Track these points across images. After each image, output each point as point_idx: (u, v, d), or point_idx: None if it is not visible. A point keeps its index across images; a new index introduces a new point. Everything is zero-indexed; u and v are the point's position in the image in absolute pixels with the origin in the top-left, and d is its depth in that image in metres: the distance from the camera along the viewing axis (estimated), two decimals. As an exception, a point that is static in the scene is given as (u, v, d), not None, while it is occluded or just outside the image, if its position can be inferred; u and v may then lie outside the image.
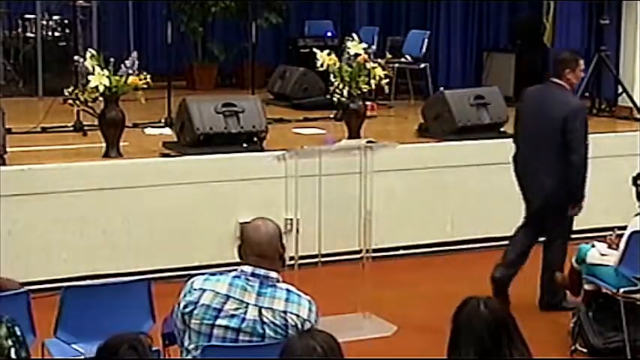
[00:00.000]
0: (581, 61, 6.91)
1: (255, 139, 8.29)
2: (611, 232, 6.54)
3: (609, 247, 6.33)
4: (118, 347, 3.29)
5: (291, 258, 6.24)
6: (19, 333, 3.76)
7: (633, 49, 10.59)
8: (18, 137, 8.48)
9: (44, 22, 11.97)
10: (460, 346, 3.47)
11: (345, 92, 8.64)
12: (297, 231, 6.69)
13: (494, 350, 3.42)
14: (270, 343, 4.03)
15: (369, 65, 8.66)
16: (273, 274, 4.15)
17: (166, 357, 4.89)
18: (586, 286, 6.35)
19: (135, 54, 7.91)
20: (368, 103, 9.32)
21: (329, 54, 8.72)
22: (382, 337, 6.57)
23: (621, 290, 6.05)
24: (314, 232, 6.78)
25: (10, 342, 3.71)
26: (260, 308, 4.09)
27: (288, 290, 4.16)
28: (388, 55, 9.56)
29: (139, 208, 7.72)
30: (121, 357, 3.27)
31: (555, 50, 11.29)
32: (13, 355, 3.70)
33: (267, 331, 4.08)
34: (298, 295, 4.17)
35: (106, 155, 7.87)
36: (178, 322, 4.18)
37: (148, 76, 7.79)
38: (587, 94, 10.76)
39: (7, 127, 7.91)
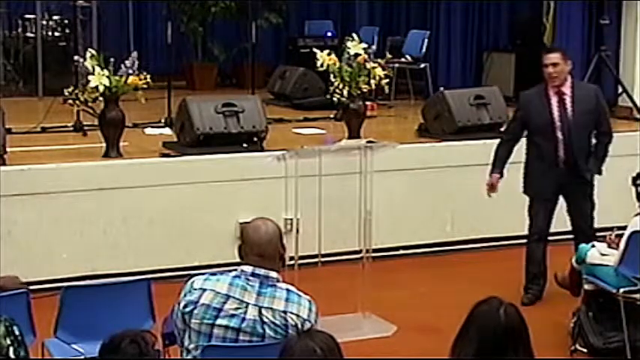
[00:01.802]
0: (548, 55, 7.09)
1: (255, 139, 8.29)
2: (611, 232, 6.53)
3: (609, 246, 6.33)
4: (120, 341, 3.30)
5: (291, 258, 6.24)
6: (17, 332, 3.76)
7: (633, 49, 10.58)
8: (18, 137, 8.48)
9: (44, 22, 11.97)
10: (465, 338, 3.47)
11: (345, 92, 8.64)
12: (297, 231, 6.69)
13: (494, 355, 3.41)
14: (270, 343, 4.04)
15: (369, 65, 8.66)
16: (273, 274, 4.16)
17: (166, 357, 4.89)
18: (586, 286, 6.35)
19: (135, 54, 7.92)
20: (368, 103, 9.31)
21: (329, 54, 8.72)
22: (382, 337, 6.57)
23: (621, 290, 6.05)
24: (314, 232, 6.78)
25: (8, 341, 3.70)
26: (260, 308, 4.09)
27: (288, 290, 4.16)
28: (388, 55, 9.55)
29: (139, 208, 7.73)
30: (122, 351, 3.28)
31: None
32: (11, 355, 3.69)
33: (267, 330, 4.08)
34: (298, 295, 4.17)
35: (106, 155, 7.87)
36: (178, 322, 4.18)
37: (148, 76, 7.79)
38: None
39: (7, 127, 7.91)
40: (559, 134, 7.03)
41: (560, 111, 7.05)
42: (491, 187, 7.23)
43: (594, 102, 7.12)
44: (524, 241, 8.49)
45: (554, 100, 7.06)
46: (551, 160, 7.07)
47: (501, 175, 7.23)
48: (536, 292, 7.21)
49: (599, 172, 7.21)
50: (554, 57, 7.03)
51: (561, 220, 7.41)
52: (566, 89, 7.07)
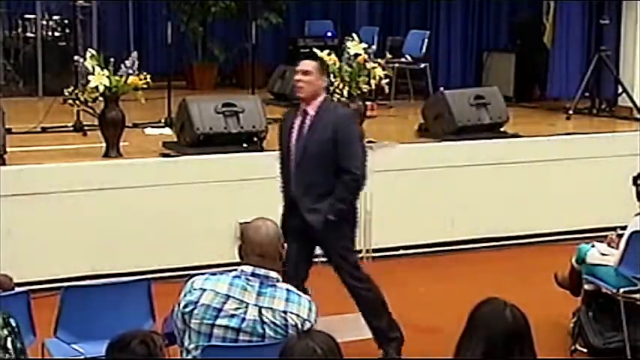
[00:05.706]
0: (304, 61, 5.94)
1: (255, 139, 8.29)
2: (611, 232, 6.53)
3: (609, 246, 6.33)
4: (130, 341, 3.30)
5: (291, 258, 6.22)
6: (14, 324, 3.78)
7: (633, 49, 10.59)
8: (18, 137, 8.48)
9: (44, 22, 11.98)
10: (472, 340, 3.44)
11: (345, 92, 8.64)
12: (297, 231, 6.66)
13: (501, 356, 3.40)
14: (270, 343, 4.04)
15: (369, 65, 8.67)
16: (274, 274, 4.16)
17: (166, 357, 4.89)
18: (586, 286, 6.34)
19: (135, 54, 7.92)
20: (368, 103, 9.32)
21: (329, 54, 8.72)
22: (382, 337, 6.55)
23: (621, 290, 6.05)
24: (314, 232, 6.76)
25: (5, 332, 3.73)
26: (260, 308, 4.09)
27: (288, 290, 4.17)
28: (388, 55, 9.56)
29: (139, 208, 7.72)
30: (131, 350, 3.28)
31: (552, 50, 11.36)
32: (9, 345, 3.71)
33: (267, 330, 4.09)
34: (298, 294, 4.18)
35: (106, 155, 7.87)
36: (178, 322, 4.18)
37: (148, 76, 7.79)
38: (587, 94, 10.78)
39: (7, 127, 7.91)
40: (292, 165, 5.86)
41: (297, 136, 5.83)
42: None
43: (330, 131, 5.72)
44: (524, 241, 8.53)
45: (296, 122, 5.85)
46: (287, 193, 5.95)
47: None
48: None
49: (331, 215, 5.75)
50: (308, 64, 5.86)
51: (560, 220, 7.44)
52: (311, 110, 5.80)
